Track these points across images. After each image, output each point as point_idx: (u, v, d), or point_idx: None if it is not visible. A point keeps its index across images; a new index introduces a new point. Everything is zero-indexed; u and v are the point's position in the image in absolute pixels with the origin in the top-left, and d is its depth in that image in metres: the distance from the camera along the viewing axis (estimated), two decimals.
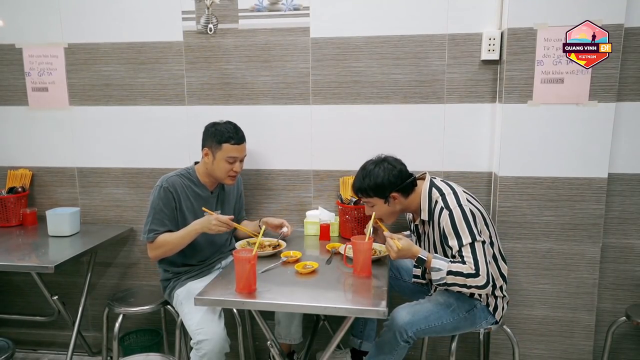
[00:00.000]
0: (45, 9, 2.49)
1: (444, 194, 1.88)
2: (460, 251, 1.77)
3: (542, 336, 2.31)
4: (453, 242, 1.79)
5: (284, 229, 2.18)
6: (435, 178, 1.97)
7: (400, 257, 1.81)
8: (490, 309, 1.93)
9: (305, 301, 1.66)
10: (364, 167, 1.96)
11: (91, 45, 2.50)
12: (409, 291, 2.17)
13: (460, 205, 1.82)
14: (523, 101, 2.13)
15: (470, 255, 1.75)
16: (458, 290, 1.79)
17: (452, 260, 1.79)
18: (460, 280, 1.74)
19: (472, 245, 1.76)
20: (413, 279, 2.14)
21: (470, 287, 1.74)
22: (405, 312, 1.84)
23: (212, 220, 1.97)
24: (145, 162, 2.57)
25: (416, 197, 1.93)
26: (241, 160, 2.13)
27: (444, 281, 1.76)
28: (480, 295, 1.92)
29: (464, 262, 1.76)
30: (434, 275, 1.78)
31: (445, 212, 1.82)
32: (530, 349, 2.32)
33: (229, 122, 2.13)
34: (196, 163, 2.19)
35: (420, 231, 2.01)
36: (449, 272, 1.75)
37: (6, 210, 2.52)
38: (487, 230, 1.88)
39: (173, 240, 2.01)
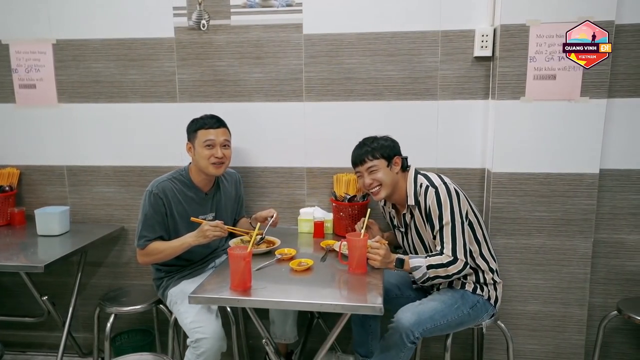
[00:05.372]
0: (33, 3, 2.44)
1: (429, 177, 1.95)
2: (441, 231, 1.84)
3: (535, 331, 2.32)
4: (435, 220, 1.85)
5: (270, 219, 2.13)
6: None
7: (384, 262, 1.83)
8: (492, 301, 1.96)
9: (300, 298, 1.66)
10: (365, 138, 2.02)
11: (80, 41, 2.46)
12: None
13: (445, 184, 1.88)
14: (516, 97, 2.14)
15: (450, 236, 1.82)
16: (441, 281, 1.86)
17: (428, 255, 1.86)
18: (441, 271, 1.82)
19: (452, 225, 1.82)
20: (414, 286, 2.12)
21: (452, 275, 1.83)
22: (410, 314, 1.83)
23: (204, 227, 1.92)
24: (136, 160, 2.53)
25: (403, 183, 1.97)
26: (223, 146, 2.06)
27: (426, 277, 1.83)
28: (482, 289, 1.95)
29: (441, 252, 1.83)
30: (416, 274, 1.85)
31: (432, 190, 1.87)
32: (524, 344, 2.34)
33: (207, 114, 2.12)
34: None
35: (407, 221, 2.01)
36: (429, 267, 1.82)
37: None
38: (472, 213, 1.93)
39: (164, 250, 1.98)
